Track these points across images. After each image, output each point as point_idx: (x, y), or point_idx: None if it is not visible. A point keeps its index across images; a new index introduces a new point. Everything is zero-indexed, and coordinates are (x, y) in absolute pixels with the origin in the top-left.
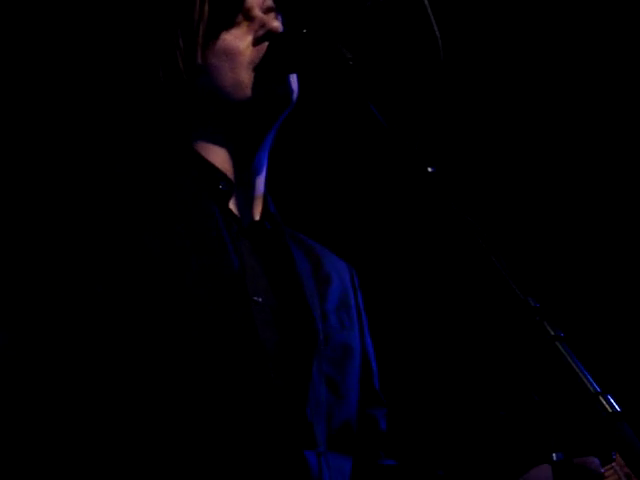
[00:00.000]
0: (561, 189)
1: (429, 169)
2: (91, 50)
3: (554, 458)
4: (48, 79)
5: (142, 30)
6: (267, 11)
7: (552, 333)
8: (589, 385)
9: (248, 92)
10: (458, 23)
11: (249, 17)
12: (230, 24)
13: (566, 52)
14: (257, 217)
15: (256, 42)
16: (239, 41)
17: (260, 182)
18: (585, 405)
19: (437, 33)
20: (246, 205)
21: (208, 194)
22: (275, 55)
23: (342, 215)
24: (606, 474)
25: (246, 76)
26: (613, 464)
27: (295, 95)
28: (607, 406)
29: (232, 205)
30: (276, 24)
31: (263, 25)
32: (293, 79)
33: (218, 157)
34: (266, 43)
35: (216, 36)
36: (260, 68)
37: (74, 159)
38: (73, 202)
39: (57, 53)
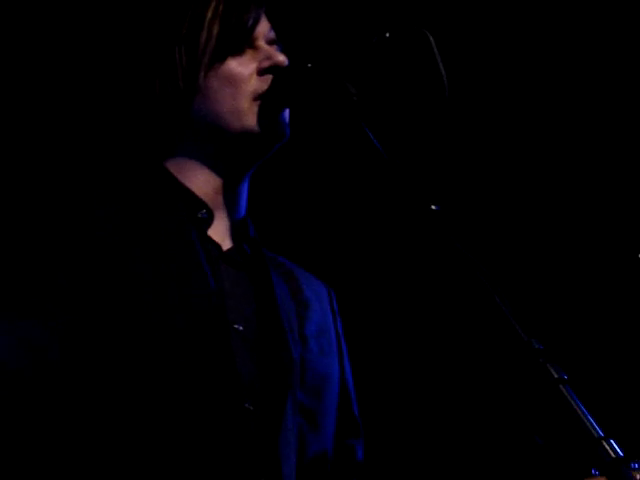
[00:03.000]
0: (565, 226)
1: (433, 207)
2: (90, 49)
3: None
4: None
5: (146, 38)
6: (270, 42)
7: (556, 375)
8: (592, 429)
9: (245, 122)
10: (464, 61)
11: (254, 46)
12: (237, 50)
13: (569, 79)
14: (237, 241)
15: (260, 73)
16: (244, 68)
17: (241, 207)
18: (588, 449)
19: (442, 70)
20: (226, 230)
21: (187, 220)
22: (280, 89)
23: (344, 250)
24: None
25: (246, 105)
26: None
27: (289, 130)
28: (610, 451)
29: (212, 231)
30: (282, 58)
31: (269, 57)
32: (286, 113)
33: (198, 183)
34: (270, 76)
35: (221, 60)
36: (262, 100)
37: (53, 174)
38: (49, 223)
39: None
